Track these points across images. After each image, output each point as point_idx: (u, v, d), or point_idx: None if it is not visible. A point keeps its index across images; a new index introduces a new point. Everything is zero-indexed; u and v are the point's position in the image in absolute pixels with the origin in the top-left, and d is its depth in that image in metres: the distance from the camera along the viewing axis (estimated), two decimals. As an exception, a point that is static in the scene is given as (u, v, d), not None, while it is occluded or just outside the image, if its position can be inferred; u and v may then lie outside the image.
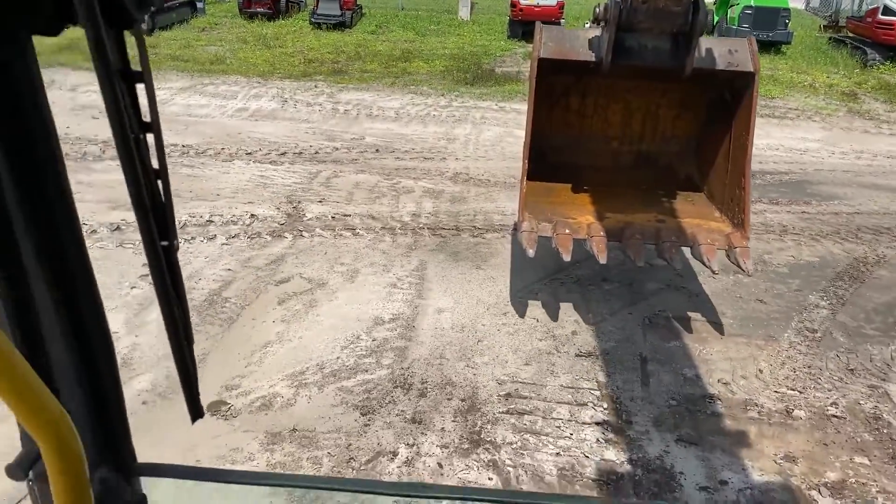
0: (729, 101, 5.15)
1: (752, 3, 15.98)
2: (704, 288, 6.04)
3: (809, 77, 14.10)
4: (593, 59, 4.77)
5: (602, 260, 4.68)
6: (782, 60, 15.22)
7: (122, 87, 0.85)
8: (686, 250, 5.01)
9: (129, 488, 1.06)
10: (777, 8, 16.09)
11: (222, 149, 8.93)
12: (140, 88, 0.90)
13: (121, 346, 4.83)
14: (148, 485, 1.09)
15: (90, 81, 12.12)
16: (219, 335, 5.07)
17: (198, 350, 4.86)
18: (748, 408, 4.53)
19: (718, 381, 4.78)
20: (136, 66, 0.87)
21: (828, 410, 4.54)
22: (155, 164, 0.94)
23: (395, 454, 3.99)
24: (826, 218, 7.78)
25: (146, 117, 0.91)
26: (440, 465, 3.92)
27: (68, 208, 0.91)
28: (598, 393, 4.62)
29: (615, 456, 4.05)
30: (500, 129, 10.60)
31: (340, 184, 8.10)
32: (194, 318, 5.22)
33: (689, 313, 5.64)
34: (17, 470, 0.88)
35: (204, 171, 8.19)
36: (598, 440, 4.17)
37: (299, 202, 7.49)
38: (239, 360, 4.81)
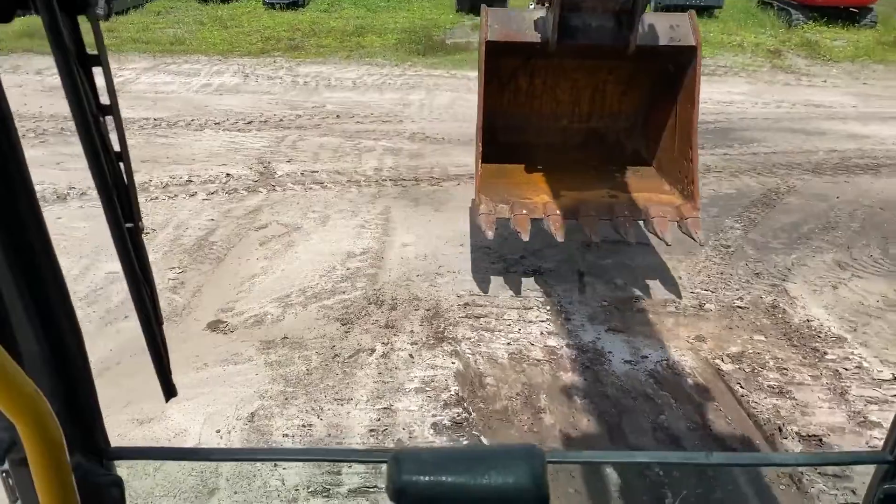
0: (673, 75, 5.26)
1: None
2: (635, 217, 6.89)
3: (738, 38, 15.06)
4: (539, 39, 4.86)
5: (559, 238, 4.87)
6: (714, 24, 16.14)
7: (79, 71, 0.86)
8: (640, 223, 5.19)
9: (105, 472, 1.06)
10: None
11: (192, 120, 9.49)
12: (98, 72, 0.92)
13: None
14: (123, 467, 1.16)
15: (54, 65, 12.44)
16: (210, 271, 5.74)
17: (192, 284, 5.54)
18: (667, 304, 5.39)
19: (643, 286, 5.63)
20: (92, 49, 0.90)
21: (734, 304, 5.42)
22: (116, 146, 0.95)
23: (373, 350, 4.74)
24: (745, 158, 8.70)
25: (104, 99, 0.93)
26: (411, 357, 4.69)
27: (31, 199, 0.90)
28: (542, 300, 5.43)
29: (556, 342, 4.87)
30: (452, 94, 11.30)
31: (306, 146, 8.75)
32: (186, 260, 5.88)
33: (621, 238, 6.46)
34: None
35: (177, 139, 8.76)
36: (542, 332, 4.98)
37: (269, 162, 8.13)
38: (230, 289, 5.49)
